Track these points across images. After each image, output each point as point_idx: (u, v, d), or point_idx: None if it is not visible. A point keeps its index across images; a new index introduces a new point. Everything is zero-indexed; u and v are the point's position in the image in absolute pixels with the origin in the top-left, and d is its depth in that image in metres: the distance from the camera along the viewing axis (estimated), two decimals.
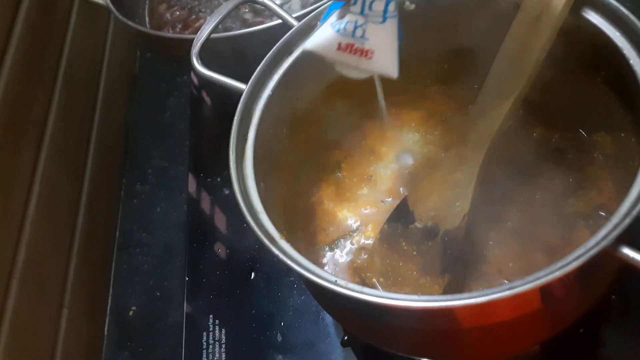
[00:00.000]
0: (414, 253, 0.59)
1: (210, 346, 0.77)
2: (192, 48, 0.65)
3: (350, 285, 0.47)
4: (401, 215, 0.61)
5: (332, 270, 0.64)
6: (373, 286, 0.59)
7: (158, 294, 0.89)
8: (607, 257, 0.45)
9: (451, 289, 0.57)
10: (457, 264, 0.57)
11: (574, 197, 0.61)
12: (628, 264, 0.45)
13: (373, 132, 0.73)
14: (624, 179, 0.58)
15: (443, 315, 0.48)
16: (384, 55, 0.52)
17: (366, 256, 0.63)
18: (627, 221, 0.45)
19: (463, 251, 0.58)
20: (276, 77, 0.63)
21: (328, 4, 0.64)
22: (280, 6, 0.69)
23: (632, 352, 0.64)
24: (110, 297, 0.93)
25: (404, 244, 0.60)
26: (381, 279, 0.60)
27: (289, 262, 0.50)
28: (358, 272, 0.62)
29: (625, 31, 0.55)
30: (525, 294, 0.44)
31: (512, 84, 0.55)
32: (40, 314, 0.78)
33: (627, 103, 0.56)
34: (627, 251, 0.45)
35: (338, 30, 0.53)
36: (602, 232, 0.45)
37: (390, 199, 0.67)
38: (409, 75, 0.71)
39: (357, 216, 0.67)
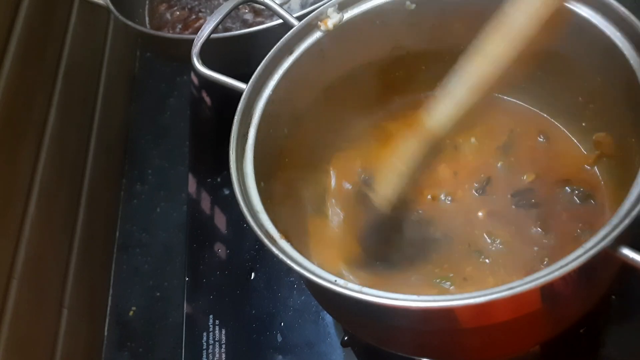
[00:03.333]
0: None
1: (210, 346, 0.77)
2: (193, 48, 0.65)
3: (350, 285, 0.47)
4: (369, 180, 0.66)
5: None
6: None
7: (158, 294, 0.89)
8: (606, 258, 0.45)
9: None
10: (368, 242, 0.63)
11: (574, 197, 0.61)
12: (628, 264, 0.45)
13: (374, 132, 0.73)
14: (624, 179, 0.58)
15: (443, 315, 0.48)
16: None
17: None
18: (627, 222, 0.45)
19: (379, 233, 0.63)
20: (277, 77, 0.63)
21: (328, 3, 0.65)
22: (280, 6, 0.69)
23: (633, 353, 0.64)
24: (110, 297, 0.93)
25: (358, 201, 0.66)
26: None
27: (289, 262, 0.50)
28: None
29: (626, 31, 0.55)
30: (525, 294, 0.44)
31: (469, 96, 0.57)
32: (40, 314, 0.78)
33: (627, 103, 0.56)
34: (627, 252, 0.45)
35: None
36: (601, 233, 0.45)
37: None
38: (409, 75, 0.72)
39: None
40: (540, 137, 0.67)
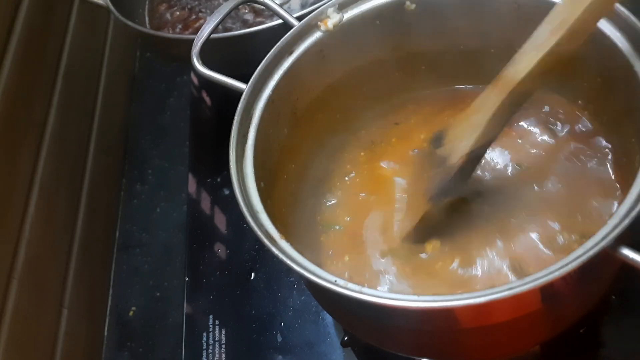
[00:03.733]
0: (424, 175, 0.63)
1: (210, 346, 0.77)
2: (193, 48, 0.65)
3: (350, 285, 0.47)
4: (439, 137, 0.62)
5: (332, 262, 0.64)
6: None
7: (158, 294, 0.89)
8: (606, 258, 0.45)
9: (424, 221, 0.61)
10: (440, 199, 0.60)
11: (574, 197, 0.61)
12: (628, 264, 0.45)
13: (375, 132, 0.73)
14: (624, 179, 0.58)
15: (443, 315, 0.48)
16: None
17: None
18: (627, 222, 0.45)
19: (450, 189, 0.60)
20: (277, 77, 0.63)
21: (328, 3, 0.65)
22: (280, 6, 0.69)
23: (633, 353, 0.64)
24: (110, 297, 0.93)
25: (426, 163, 0.63)
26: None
27: (288, 262, 0.50)
28: None
29: (626, 31, 0.55)
30: (525, 294, 0.44)
31: (550, 37, 0.53)
32: (40, 314, 0.78)
33: (627, 102, 0.56)
34: (627, 252, 0.45)
35: None
36: (601, 233, 0.45)
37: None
38: (409, 75, 0.72)
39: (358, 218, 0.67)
40: None
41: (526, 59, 0.54)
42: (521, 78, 0.54)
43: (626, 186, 0.49)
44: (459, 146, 0.58)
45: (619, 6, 0.55)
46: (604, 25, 0.56)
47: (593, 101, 0.63)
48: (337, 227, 0.67)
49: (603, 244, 0.44)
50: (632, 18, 0.54)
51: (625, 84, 0.55)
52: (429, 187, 0.61)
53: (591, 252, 0.44)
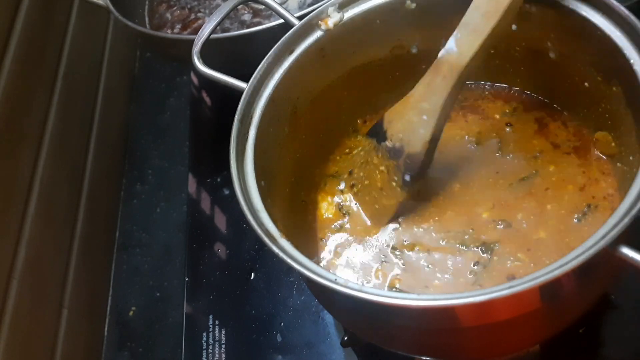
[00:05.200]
0: (382, 168, 0.65)
1: (210, 346, 0.77)
2: (194, 47, 0.65)
3: (350, 283, 0.47)
4: (377, 131, 0.65)
5: (331, 262, 0.64)
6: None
7: (158, 294, 0.90)
8: (606, 257, 0.45)
9: (406, 206, 0.64)
10: (413, 185, 0.63)
11: (574, 196, 0.61)
12: (627, 263, 0.45)
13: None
14: (624, 178, 0.58)
15: (443, 313, 0.48)
16: None
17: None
18: (627, 221, 0.45)
19: (422, 174, 0.63)
20: (277, 76, 0.63)
21: (328, 3, 0.65)
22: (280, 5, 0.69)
23: (633, 352, 0.64)
24: (110, 297, 0.93)
25: (375, 158, 0.65)
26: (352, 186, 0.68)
27: (289, 260, 0.50)
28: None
29: (626, 31, 0.55)
30: (525, 293, 0.44)
31: (486, 22, 0.57)
32: (40, 314, 0.78)
33: (628, 102, 0.56)
34: (627, 251, 0.45)
35: None
36: (601, 232, 0.45)
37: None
38: (409, 75, 0.72)
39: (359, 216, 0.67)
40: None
41: (467, 44, 0.57)
42: (466, 62, 0.57)
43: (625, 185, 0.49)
44: (416, 135, 0.61)
45: (619, 6, 0.55)
46: (605, 25, 0.56)
47: (594, 99, 0.63)
48: (337, 224, 0.67)
49: (603, 243, 0.44)
50: (632, 18, 0.54)
51: (626, 84, 0.55)
52: (397, 179, 0.63)
53: (591, 251, 0.44)
